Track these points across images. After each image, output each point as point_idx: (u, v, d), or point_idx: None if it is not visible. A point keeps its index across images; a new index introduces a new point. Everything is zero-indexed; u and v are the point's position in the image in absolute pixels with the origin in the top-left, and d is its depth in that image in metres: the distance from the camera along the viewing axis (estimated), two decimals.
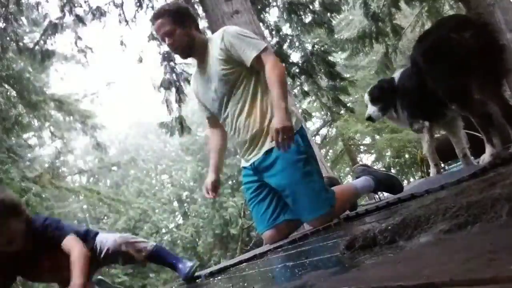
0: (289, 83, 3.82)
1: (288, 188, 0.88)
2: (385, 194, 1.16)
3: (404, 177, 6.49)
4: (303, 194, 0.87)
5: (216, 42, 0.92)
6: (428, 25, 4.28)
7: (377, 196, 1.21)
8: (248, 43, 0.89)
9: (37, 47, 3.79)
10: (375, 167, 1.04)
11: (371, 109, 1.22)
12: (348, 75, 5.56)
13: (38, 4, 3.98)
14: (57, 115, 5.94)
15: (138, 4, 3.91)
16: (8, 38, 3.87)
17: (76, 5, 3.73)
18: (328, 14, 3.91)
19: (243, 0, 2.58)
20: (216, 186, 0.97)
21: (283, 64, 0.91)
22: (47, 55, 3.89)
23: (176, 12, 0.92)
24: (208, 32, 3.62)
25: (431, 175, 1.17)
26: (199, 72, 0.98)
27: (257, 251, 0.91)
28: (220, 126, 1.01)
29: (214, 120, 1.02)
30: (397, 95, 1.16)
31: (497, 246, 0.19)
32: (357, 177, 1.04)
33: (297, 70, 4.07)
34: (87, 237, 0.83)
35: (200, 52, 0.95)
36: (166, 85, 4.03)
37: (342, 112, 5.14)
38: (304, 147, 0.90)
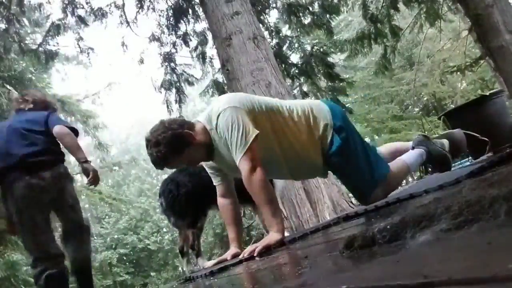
0: (288, 83, 3.83)
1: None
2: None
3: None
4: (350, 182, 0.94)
5: (213, 119, 0.88)
6: (426, 27, 4.27)
7: (422, 168, 1.17)
8: (235, 141, 0.83)
9: (41, 48, 3.81)
10: (434, 140, 1.06)
11: None
12: (347, 76, 5.56)
13: (40, 5, 4.00)
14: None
15: (139, 5, 3.93)
16: (10, 39, 3.89)
17: (78, 6, 3.76)
18: (327, 15, 3.92)
19: (243, 1, 2.59)
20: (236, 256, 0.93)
21: (257, 171, 0.81)
22: (51, 56, 3.91)
23: (163, 157, 0.87)
24: (208, 33, 3.65)
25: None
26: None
27: None
28: (232, 193, 0.99)
29: (226, 186, 0.99)
30: None
31: (495, 245, 0.19)
32: (413, 147, 1.06)
33: (297, 71, 4.08)
34: None
35: (208, 143, 0.89)
36: (167, 85, 4.05)
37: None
38: (341, 144, 0.90)
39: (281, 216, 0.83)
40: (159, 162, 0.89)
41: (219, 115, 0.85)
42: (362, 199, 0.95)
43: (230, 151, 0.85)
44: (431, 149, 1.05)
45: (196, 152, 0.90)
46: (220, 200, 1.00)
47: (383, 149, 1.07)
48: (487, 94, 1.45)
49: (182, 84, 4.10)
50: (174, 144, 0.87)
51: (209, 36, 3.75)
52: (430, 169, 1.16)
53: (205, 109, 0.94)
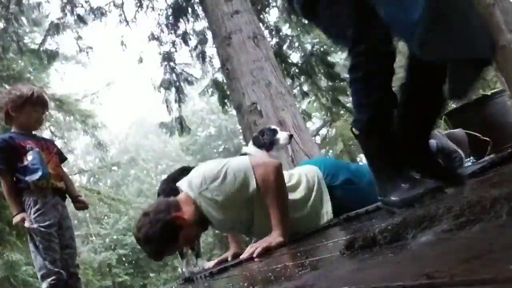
0: (288, 83, 3.83)
1: None
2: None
3: None
4: None
5: (199, 183, 0.82)
6: None
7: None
8: (236, 180, 0.80)
9: (42, 48, 3.79)
10: (447, 141, 1.07)
11: None
12: (347, 76, 5.54)
13: (39, 4, 3.99)
14: (57, 114, 5.94)
15: (138, 4, 3.91)
16: (8, 38, 3.87)
17: (77, 5, 3.74)
18: None
19: (243, 1, 2.58)
20: (236, 257, 0.92)
21: (272, 176, 0.79)
22: (52, 56, 3.89)
23: (160, 252, 0.83)
24: (208, 32, 3.64)
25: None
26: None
27: None
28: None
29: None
30: None
31: (497, 246, 0.19)
32: None
33: (297, 70, 4.08)
34: None
35: (199, 215, 0.84)
36: (166, 85, 4.04)
37: (341, 112, 5.14)
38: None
39: (288, 222, 0.81)
40: (157, 257, 0.87)
41: (204, 178, 0.81)
42: None
43: (223, 208, 0.81)
44: (444, 143, 1.06)
45: (190, 231, 0.85)
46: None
47: None
48: (489, 93, 1.45)
49: (182, 84, 4.09)
50: (166, 235, 0.81)
51: (209, 35, 3.74)
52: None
53: (184, 178, 0.89)
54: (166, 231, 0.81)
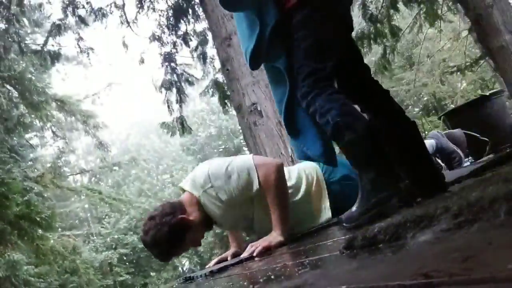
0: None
1: None
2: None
3: None
4: None
5: (202, 181, 0.83)
6: (426, 27, 4.27)
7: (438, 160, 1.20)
8: (240, 178, 0.80)
9: (45, 48, 3.81)
10: (447, 141, 1.09)
11: None
12: None
13: (40, 5, 4.00)
14: (58, 115, 5.97)
15: (139, 5, 3.93)
16: (10, 39, 3.89)
17: (78, 6, 3.76)
18: None
19: None
20: (237, 256, 0.92)
21: (275, 178, 0.79)
22: (55, 57, 3.91)
23: (168, 254, 0.84)
24: (209, 33, 3.64)
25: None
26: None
27: None
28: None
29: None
30: None
31: (495, 245, 0.19)
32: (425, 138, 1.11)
33: None
34: None
35: (203, 215, 0.84)
36: (167, 85, 4.05)
37: None
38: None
39: (289, 222, 0.81)
40: (165, 259, 0.88)
41: (208, 176, 0.81)
42: None
43: (226, 206, 0.81)
44: (442, 142, 1.07)
45: (196, 232, 0.86)
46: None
47: None
48: (487, 94, 1.45)
49: (183, 84, 4.10)
50: (173, 237, 0.83)
51: (209, 36, 3.74)
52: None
53: (187, 177, 0.90)
54: (173, 233, 0.82)
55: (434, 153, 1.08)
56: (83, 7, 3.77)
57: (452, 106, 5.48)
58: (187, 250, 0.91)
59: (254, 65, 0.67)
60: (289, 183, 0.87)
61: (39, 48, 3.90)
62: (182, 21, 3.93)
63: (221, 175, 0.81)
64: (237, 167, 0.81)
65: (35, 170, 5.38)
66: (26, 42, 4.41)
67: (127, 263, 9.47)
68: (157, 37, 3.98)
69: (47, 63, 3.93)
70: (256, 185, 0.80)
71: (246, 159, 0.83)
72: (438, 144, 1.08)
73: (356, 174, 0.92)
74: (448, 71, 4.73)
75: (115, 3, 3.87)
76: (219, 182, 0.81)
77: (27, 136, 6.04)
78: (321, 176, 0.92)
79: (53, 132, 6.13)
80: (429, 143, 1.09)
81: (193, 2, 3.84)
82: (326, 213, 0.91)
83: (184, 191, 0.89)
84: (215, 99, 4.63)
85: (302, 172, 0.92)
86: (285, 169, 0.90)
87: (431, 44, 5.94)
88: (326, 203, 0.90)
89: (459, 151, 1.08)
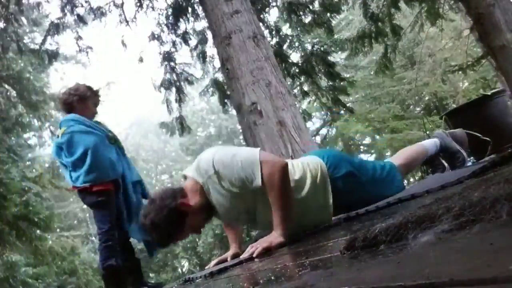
0: (288, 83, 3.82)
1: None
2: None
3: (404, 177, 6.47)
4: None
5: (206, 168, 0.81)
6: (427, 26, 4.27)
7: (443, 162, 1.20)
8: (244, 170, 0.78)
9: (42, 47, 3.79)
10: (451, 141, 1.09)
11: None
12: (348, 75, 5.55)
13: (38, 4, 3.98)
14: (57, 115, 5.94)
15: (138, 4, 3.91)
16: (8, 38, 3.87)
17: (77, 5, 3.74)
18: (328, 14, 3.92)
19: (243, 0, 2.58)
20: (236, 257, 0.91)
21: (278, 176, 0.78)
22: (53, 56, 3.89)
23: (167, 237, 0.83)
24: (208, 32, 3.63)
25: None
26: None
27: None
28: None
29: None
30: None
31: (497, 246, 0.19)
32: (428, 136, 1.12)
33: (297, 70, 4.07)
34: None
35: (205, 202, 0.83)
36: (167, 85, 4.04)
37: (342, 112, 5.13)
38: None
39: (290, 222, 0.80)
40: (164, 243, 0.87)
41: (213, 163, 0.80)
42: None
43: (229, 195, 0.81)
44: (446, 141, 1.07)
45: (196, 218, 0.85)
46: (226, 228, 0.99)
47: (398, 160, 1.05)
48: (489, 93, 1.45)
49: (182, 83, 4.09)
50: (172, 221, 0.81)
51: (209, 35, 3.74)
52: (430, 170, 1.18)
53: (191, 166, 0.88)
54: (172, 217, 0.81)
55: (438, 152, 1.07)
56: (82, 6, 3.75)
57: (454, 105, 5.49)
58: (186, 237, 0.90)
59: None
60: (293, 178, 0.86)
61: (37, 47, 3.88)
62: (181, 20, 3.91)
63: (226, 163, 0.80)
64: (242, 159, 0.79)
65: (34, 170, 5.36)
66: (24, 41, 4.39)
67: None
68: (156, 36, 3.97)
69: (44, 62, 3.91)
70: (258, 182, 0.79)
71: (252, 153, 0.80)
72: (442, 143, 1.07)
73: (359, 171, 0.92)
74: (450, 70, 4.73)
75: (114, 1, 3.86)
76: (223, 170, 0.80)
77: (25, 136, 6.02)
78: (325, 171, 0.91)
79: (52, 132, 6.11)
80: (433, 142, 1.08)
81: (192, 1, 3.83)
82: (329, 209, 0.90)
83: (186, 178, 0.88)
84: (215, 99, 4.61)
85: (306, 167, 0.91)
86: (289, 162, 0.89)
87: (433, 43, 5.93)
88: (330, 199, 0.89)
89: (463, 151, 1.08)
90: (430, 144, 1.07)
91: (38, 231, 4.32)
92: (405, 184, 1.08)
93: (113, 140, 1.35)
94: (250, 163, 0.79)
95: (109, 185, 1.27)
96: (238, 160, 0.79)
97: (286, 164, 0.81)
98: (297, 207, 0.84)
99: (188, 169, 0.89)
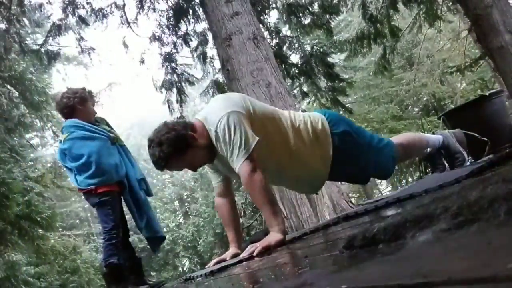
0: (288, 84, 3.82)
1: None
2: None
3: (402, 177, 6.53)
4: None
5: (212, 123, 0.87)
6: (425, 27, 4.28)
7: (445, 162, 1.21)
8: (237, 148, 0.82)
9: (43, 48, 3.81)
10: (455, 142, 1.11)
11: None
12: (347, 76, 5.56)
13: (41, 5, 4.01)
14: (59, 115, 5.96)
15: (139, 6, 3.93)
16: (10, 39, 3.90)
17: (78, 6, 3.76)
18: (327, 15, 3.93)
19: (243, 2, 2.59)
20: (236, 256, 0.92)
21: (257, 172, 0.81)
22: (53, 57, 3.91)
23: (166, 157, 0.86)
24: (209, 33, 3.65)
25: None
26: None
27: None
28: (230, 192, 1.00)
29: (226, 186, 0.98)
30: None
31: (495, 245, 0.19)
32: (432, 133, 1.14)
33: (297, 71, 4.08)
34: None
35: (210, 145, 0.89)
36: (168, 85, 4.05)
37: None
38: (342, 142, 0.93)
39: (282, 216, 0.85)
40: (160, 162, 0.89)
41: (219, 122, 0.85)
42: (385, 175, 1.00)
43: (227, 155, 0.85)
44: (451, 143, 1.09)
45: (198, 154, 0.89)
46: (217, 200, 1.00)
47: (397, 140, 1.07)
48: (487, 94, 1.46)
49: (183, 84, 4.10)
50: (177, 144, 0.86)
51: (210, 36, 3.75)
52: (430, 169, 1.18)
53: (204, 108, 0.95)
54: (177, 142, 0.86)
55: (439, 148, 1.08)
56: (83, 7, 3.78)
57: (452, 106, 5.50)
58: (182, 168, 0.93)
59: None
60: (294, 126, 0.90)
61: (38, 48, 3.90)
62: (182, 21, 3.93)
63: (227, 134, 0.83)
64: (239, 141, 0.83)
65: (36, 170, 5.38)
66: (26, 42, 4.41)
67: None
68: (157, 37, 3.99)
69: (44, 63, 3.93)
70: (236, 167, 0.83)
71: (250, 141, 0.83)
72: (445, 142, 1.08)
73: (357, 134, 0.96)
74: (448, 71, 4.74)
75: (115, 3, 3.88)
76: (222, 135, 0.84)
77: (27, 136, 6.04)
78: (326, 123, 0.95)
79: (54, 132, 6.13)
80: (436, 137, 1.10)
81: (193, 3, 3.85)
82: (328, 161, 0.93)
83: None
84: None
85: (307, 118, 0.95)
86: (291, 112, 0.94)
87: (431, 44, 5.95)
88: (330, 151, 0.93)
89: (464, 153, 1.09)
90: (432, 138, 1.09)
91: (40, 230, 4.33)
92: (403, 182, 1.10)
93: (116, 140, 1.36)
94: (243, 150, 0.83)
95: (113, 186, 1.29)
96: (236, 141, 0.83)
97: (266, 179, 0.84)
98: (298, 155, 0.88)
99: (200, 113, 0.95)
